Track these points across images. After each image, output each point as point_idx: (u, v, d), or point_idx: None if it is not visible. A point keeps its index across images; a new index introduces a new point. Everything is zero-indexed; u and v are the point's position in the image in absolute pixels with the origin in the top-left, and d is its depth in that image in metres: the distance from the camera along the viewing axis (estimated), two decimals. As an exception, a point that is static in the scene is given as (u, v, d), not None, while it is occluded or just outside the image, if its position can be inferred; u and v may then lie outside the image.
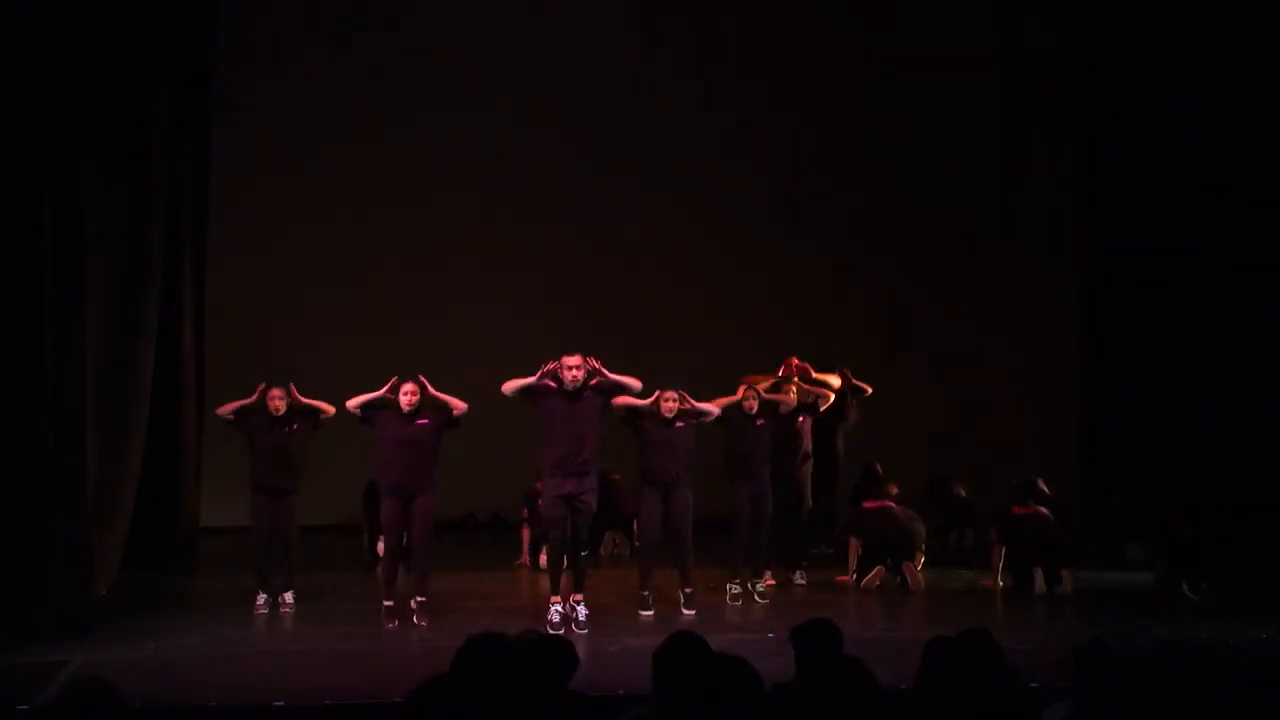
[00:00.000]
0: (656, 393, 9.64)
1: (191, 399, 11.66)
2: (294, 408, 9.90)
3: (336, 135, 14.09)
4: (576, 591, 9.21)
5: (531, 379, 9.27)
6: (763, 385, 10.68)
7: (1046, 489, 11.41)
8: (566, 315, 14.25)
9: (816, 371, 11.30)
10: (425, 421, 9.41)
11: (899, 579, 10.79)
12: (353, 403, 9.48)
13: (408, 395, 9.39)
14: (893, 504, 11.08)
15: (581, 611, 9.12)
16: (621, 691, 6.63)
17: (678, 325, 14.47)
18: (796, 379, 11.09)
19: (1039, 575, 10.52)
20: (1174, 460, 12.22)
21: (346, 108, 14.13)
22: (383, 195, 14.24)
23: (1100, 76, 14.09)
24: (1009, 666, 4.97)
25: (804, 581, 10.88)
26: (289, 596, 9.87)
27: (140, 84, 10.57)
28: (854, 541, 11.03)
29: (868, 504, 11.11)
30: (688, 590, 9.66)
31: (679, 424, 9.66)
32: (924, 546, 11.09)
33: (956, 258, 14.78)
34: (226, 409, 9.97)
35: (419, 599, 9.35)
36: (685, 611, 9.54)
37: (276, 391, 9.87)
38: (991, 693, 4.72)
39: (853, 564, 10.97)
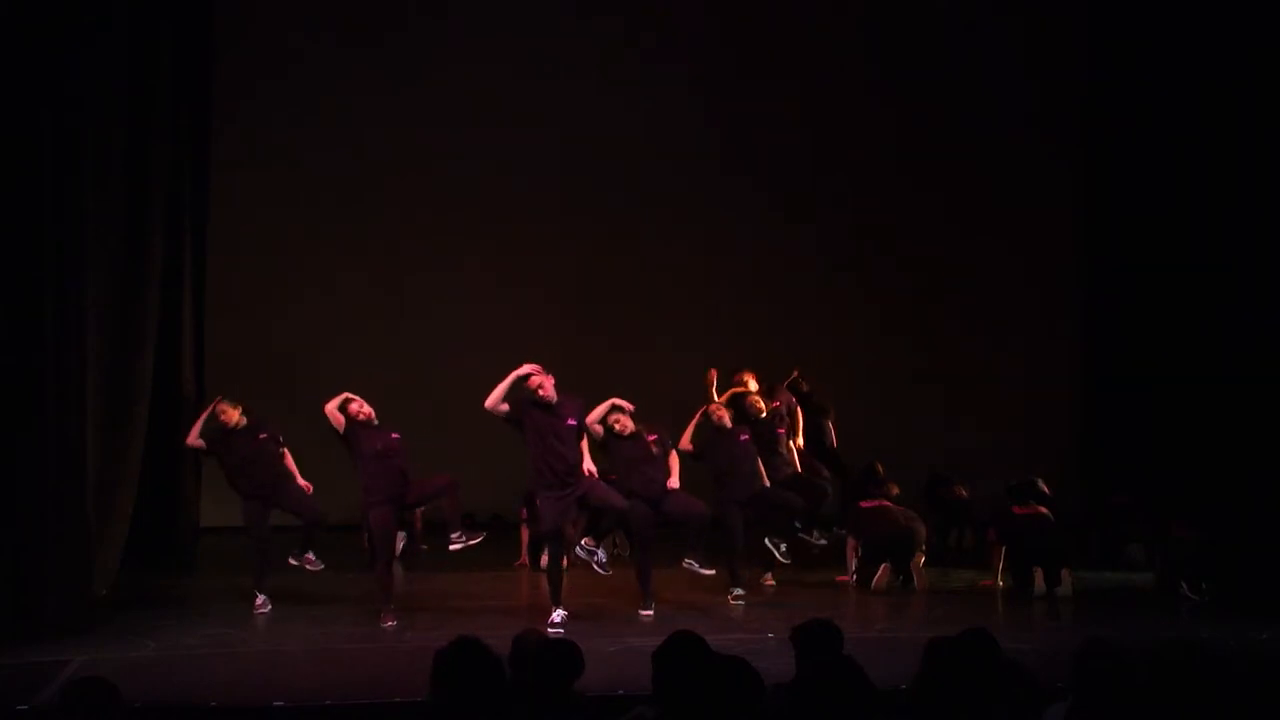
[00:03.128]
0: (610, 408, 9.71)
1: (191, 399, 11.65)
2: (257, 418, 10.08)
3: (336, 136, 14.09)
4: (553, 602, 9.24)
5: (507, 382, 9.27)
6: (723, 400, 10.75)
7: (1046, 489, 11.41)
8: (567, 315, 14.27)
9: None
10: (397, 435, 9.61)
11: (900, 578, 10.79)
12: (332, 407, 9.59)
13: (365, 406, 9.57)
14: (890, 504, 11.06)
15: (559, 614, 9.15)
16: (621, 691, 6.63)
17: (672, 322, 14.46)
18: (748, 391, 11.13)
19: (1039, 575, 10.52)
20: (1176, 461, 12.19)
21: (346, 108, 14.12)
22: (383, 195, 14.23)
23: (1101, 63, 14.00)
24: (1017, 664, 4.97)
25: (772, 582, 10.83)
26: (312, 555, 10.01)
27: (140, 85, 10.57)
28: (851, 541, 11.03)
29: (864, 504, 11.11)
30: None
31: (650, 435, 9.78)
32: (924, 546, 11.08)
33: (958, 257, 14.76)
34: (193, 437, 10.04)
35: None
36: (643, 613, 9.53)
37: (223, 405, 10.00)
38: (991, 693, 4.72)
39: (851, 565, 10.96)
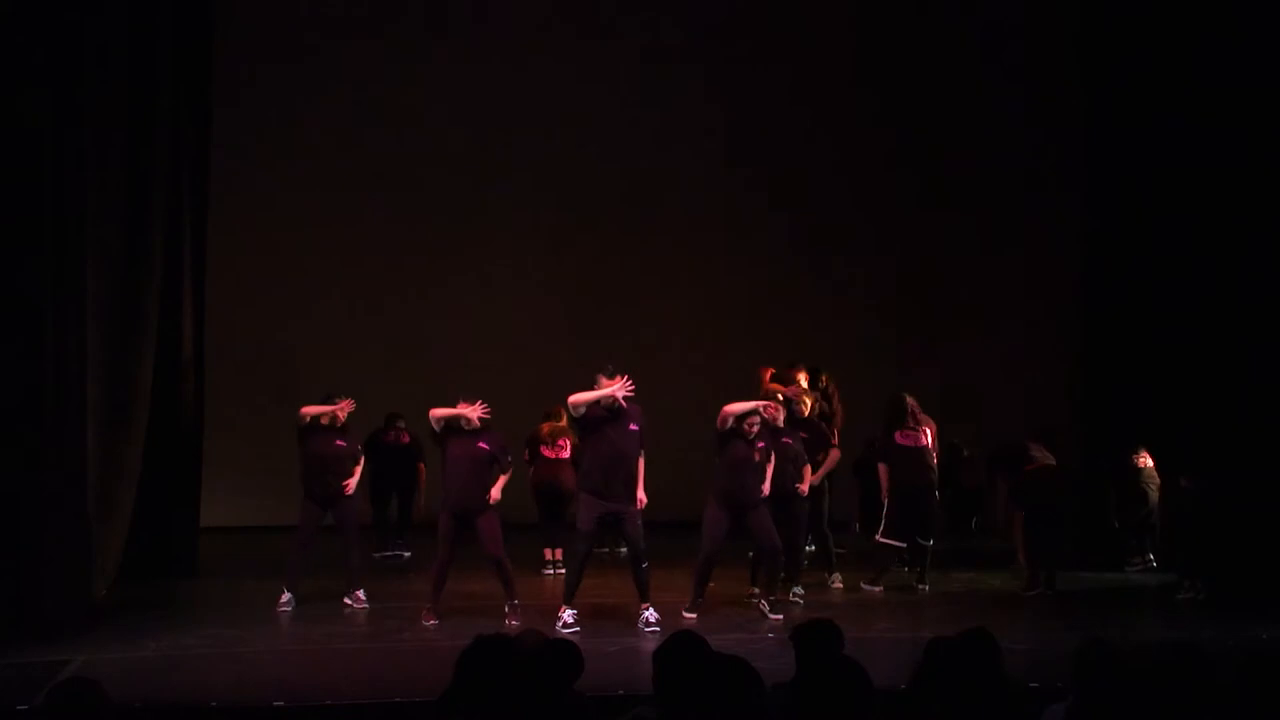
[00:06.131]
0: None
1: (191, 399, 11.65)
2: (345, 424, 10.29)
3: (337, 135, 14.09)
4: (642, 600, 9.25)
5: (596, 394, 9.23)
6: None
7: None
8: (569, 312, 14.30)
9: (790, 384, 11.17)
10: (484, 447, 9.53)
11: (905, 564, 10.78)
12: (436, 414, 9.53)
13: (479, 412, 9.51)
14: (929, 446, 10.80)
15: (651, 615, 9.17)
16: (621, 691, 6.64)
17: (680, 324, 14.47)
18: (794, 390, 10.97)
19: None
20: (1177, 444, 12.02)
21: (347, 107, 14.13)
22: (384, 194, 14.23)
23: (1098, 43, 13.81)
24: (1005, 670, 4.97)
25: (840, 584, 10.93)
26: (361, 593, 10.04)
27: (140, 83, 10.58)
28: (883, 467, 10.90)
29: (901, 437, 10.83)
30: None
31: (761, 444, 9.74)
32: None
33: (957, 235, 14.63)
34: (308, 408, 10.18)
35: (513, 603, 9.52)
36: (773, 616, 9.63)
37: (349, 405, 10.21)
38: (991, 693, 4.72)
39: (884, 486, 10.85)
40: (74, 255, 9.18)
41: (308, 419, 10.16)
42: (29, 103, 8.82)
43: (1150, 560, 11.59)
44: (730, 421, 9.61)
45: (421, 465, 12.48)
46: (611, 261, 14.59)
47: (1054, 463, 10.79)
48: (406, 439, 12.59)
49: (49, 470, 8.86)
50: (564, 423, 11.51)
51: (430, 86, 14.23)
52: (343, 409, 10.19)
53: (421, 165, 14.25)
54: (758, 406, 9.73)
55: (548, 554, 11.66)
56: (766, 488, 9.71)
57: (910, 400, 10.95)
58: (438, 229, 14.34)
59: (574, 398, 9.19)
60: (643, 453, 9.26)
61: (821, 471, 10.60)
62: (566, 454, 11.67)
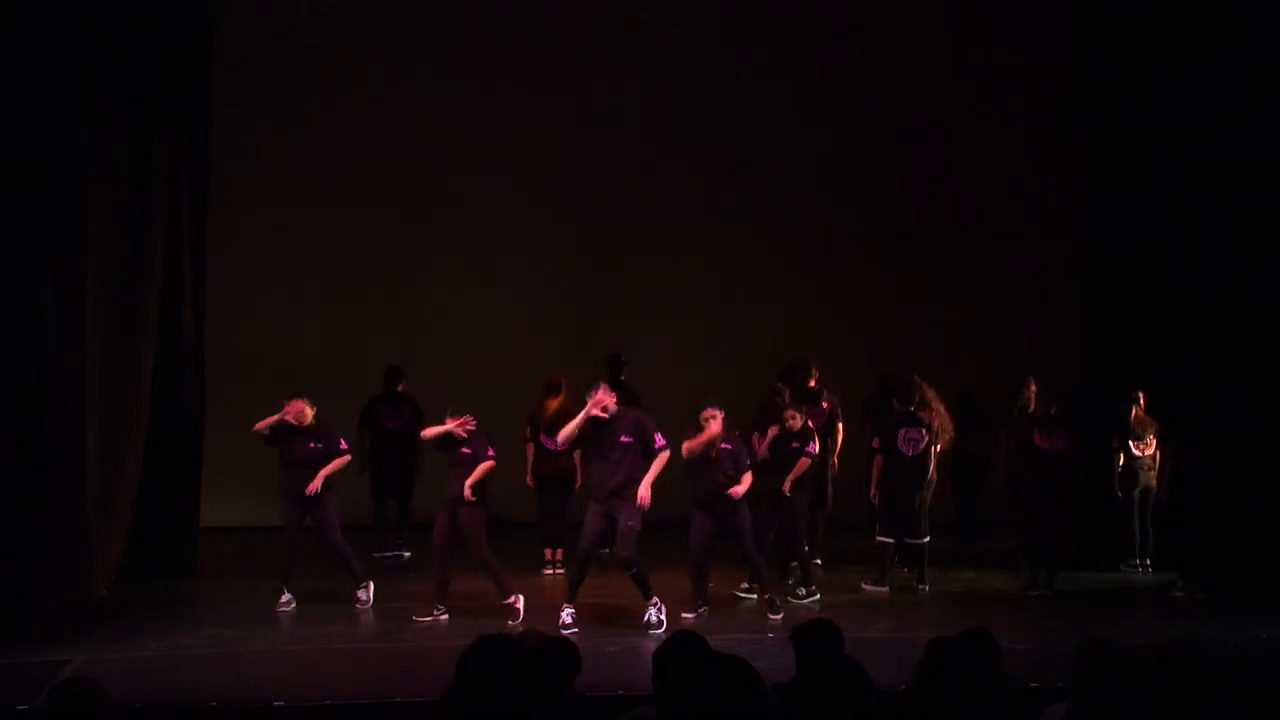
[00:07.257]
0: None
1: (191, 399, 11.65)
2: (322, 426, 10.28)
3: (337, 134, 14.07)
4: (645, 598, 9.33)
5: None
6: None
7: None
8: (569, 309, 14.28)
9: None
10: (467, 451, 9.69)
11: (899, 561, 10.77)
12: (426, 435, 10.03)
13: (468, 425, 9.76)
14: (924, 431, 10.82)
15: (653, 615, 9.24)
16: (621, 691, 6.64)
17: (679, 324, 14.45)
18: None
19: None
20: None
21: (347, 107, 14.11)
22: (383, 194, 14.21)
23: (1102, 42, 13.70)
24: (1005, 670, 4.98)
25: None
26: (364, 594, 10.06)
27: (140, 83, 10.58)
28: (878, 462, 10.93)
29: (903, 441, 10.87)
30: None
31: (727, 445, 9.83)
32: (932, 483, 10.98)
33: (959, 236, 14.54)
34: (261, 424, 10.19)
35: (508, 600, 9.60)
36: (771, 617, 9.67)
37: (296, 404, 10.14)
38: (990, 693, 4.72)
39: (875, 479, 10.91)
40: (74, 255, 9.18)
41: (267, 431, 10.14)
42: (29, 103, 8.82)
43: (1146, 564, 11.56)
44: (697, 456, 9.80)
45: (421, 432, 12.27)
46: (612, 262, 14.55)
47: (1063, 446, 10.75)
48: (406, 416, 12.37)
49: (49, 470, 8.86)
50: (564, 395, 11.50)
51: (431, 87, 14.20)
52: (288, 412, 10.10)
53: (422, 165, 14.22)
54: (712, 438, 9.75)
55: (548, 554, 11.64)
56: (739, 489, 9.72)
57: (926, 389, 11.03)
58: (438, 229, 14.32)
59: (561, 434, 9.82)
60: (661, 453, 9.38)
61: (791, 477, 10.41)
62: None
